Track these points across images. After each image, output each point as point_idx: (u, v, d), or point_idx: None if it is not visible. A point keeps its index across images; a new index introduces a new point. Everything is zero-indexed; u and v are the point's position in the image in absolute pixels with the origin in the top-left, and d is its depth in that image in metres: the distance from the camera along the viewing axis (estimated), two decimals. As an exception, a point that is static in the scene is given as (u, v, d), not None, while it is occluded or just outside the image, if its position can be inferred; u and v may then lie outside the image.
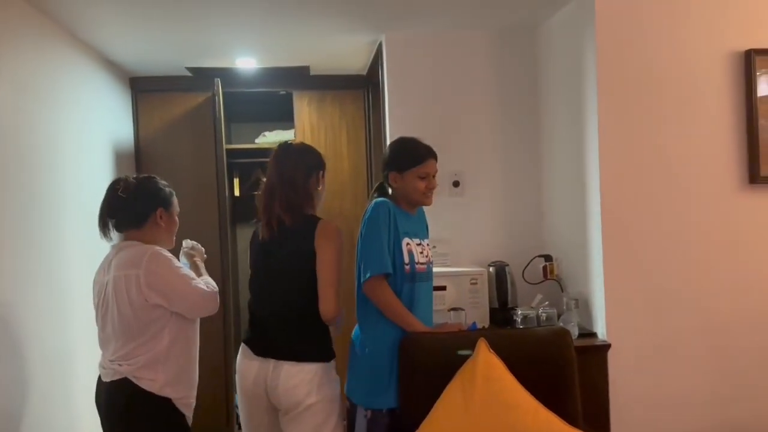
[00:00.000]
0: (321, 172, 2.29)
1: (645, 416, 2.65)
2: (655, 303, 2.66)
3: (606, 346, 2.65)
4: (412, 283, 2.29)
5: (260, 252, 2.30)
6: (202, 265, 2.43)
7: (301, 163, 2.24)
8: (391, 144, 2.43)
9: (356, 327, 2.38)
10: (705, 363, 2.68)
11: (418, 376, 2.24)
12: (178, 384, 2.15)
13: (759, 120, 2.64)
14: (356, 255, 2.32)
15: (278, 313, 2.22)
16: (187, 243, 2.48)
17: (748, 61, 2.64)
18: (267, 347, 2.21)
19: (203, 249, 2.51)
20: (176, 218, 2.28)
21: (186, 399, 2.18)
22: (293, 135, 4.31)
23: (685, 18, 2.65)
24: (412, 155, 2.32)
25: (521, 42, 3.28)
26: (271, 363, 2.18)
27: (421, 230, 2.43)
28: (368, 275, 2.21)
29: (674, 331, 2.66)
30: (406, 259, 2.27)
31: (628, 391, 2.64)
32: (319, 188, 2.29)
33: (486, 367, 2.19)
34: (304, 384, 2.14)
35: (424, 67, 3.25)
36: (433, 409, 2.16)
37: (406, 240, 2.29)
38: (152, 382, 2.09)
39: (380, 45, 3.38)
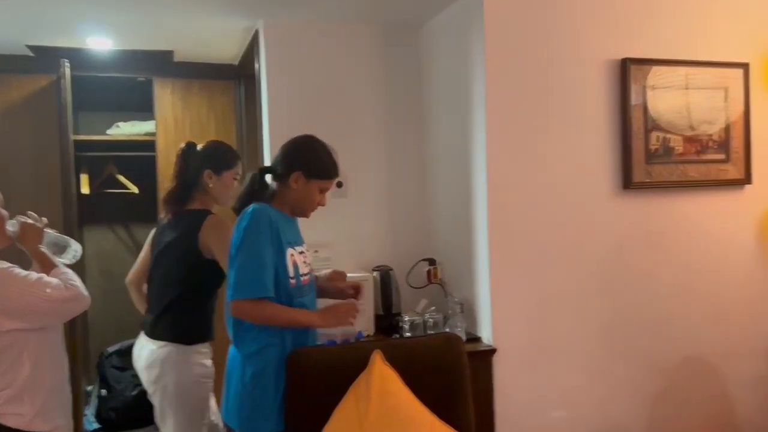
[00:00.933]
0: (210, 170, 2.44)
1: (529, 419, 2.66)
2: (539, 306, 2.68)
3: (492, 351, 2.62)
4: (300, 297, 2.08)
5: (156, 242, 2.52)
6: (48, 251, 1.99)
7: (189, 162, 2.46)
8: (307, 143, 2.15)
9: (231, 347, 2.13)
10: (586, 364, 2.74)
11: (307, 395, 2.05)
12: (50, 413, 1.81)
13: (633, 128, 2.75)
14: (227, 267, 2.06)
15: (155, 296, 2.45)
16: (12, 225, 1.94)
17: (624, 70, 2.73)
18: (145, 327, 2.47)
19: (37, 217, 2.00)
20: (2, 211, 1.87)
21: (59, 430, 1.84)
22: (153, 126, 3.92)
23: (569, 25, 2.69)
24: (327, 166, 2.12)
25: (407, 39, 3.19)
26: (143, 341, 2.44)
27: (299, 235, 2.24)
28: (244, 297, 1.94)
29: (558, 333, 2.70)
30: (291, 273, 2.05)
31: (513, 395, 2.63)
32: (210, 185, 2.44)
33: (381, 381, 2.05)
34: (157, 363, 2.33)
35: (306, 60, 3.05)
36: (324, 430, 1.98)
37: (290, 251, 2.06)
38: (19, 417, 1.74)
39: (257, 33, 3.12)
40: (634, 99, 2.75)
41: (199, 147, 2.50)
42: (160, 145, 3.87)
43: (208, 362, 2.43)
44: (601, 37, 2.73)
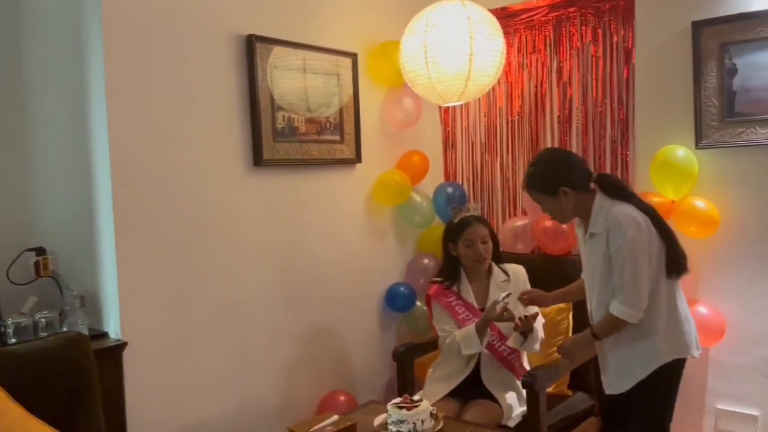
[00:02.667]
0: None
1: (165, 411, 2.48)
2: (174, 292, 2.51)
3: (121, 345, 2.36)
4: None
5: None
6: None
7: None
8: None
9: None
10: (226, 346, 2.68)
11: None
12: None
13: (261, 106, 2.76)
14: None
15: None
16: None
17: (250, 47, 2.72)
18: None
19: None
20: None
21: None
22: None
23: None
24: None
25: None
26: None
27: None
28: None
29: (194, 318, 2.57)
30: None
31: (146, 389, 2.41)
32: None
33: (-19, 403, 1.64)
34: None
35: None
36: None
37: None
38: None
39: None
40: (261, 78, 2.77)
41: None
42: None
43: None
44: (227, 9, 2.65)
